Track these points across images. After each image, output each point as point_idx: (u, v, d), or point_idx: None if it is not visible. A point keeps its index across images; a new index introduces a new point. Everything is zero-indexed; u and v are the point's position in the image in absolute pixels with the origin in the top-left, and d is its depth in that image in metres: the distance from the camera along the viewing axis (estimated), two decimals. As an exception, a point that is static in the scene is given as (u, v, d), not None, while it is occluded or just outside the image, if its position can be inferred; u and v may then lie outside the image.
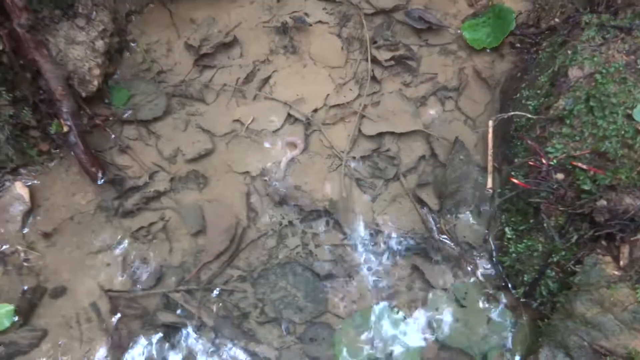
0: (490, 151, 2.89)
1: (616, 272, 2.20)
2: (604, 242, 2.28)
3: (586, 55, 2.52)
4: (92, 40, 2.94)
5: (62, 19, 2.86)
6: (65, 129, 2.76)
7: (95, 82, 2.97)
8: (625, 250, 2.21)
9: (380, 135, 3.12)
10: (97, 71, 2.96)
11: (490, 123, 2.98)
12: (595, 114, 2.37)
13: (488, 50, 3.36)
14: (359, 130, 3.15)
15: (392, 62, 3.38)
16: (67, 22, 2.87)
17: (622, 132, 2.30)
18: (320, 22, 3.53)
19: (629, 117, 2.30)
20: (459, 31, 3.44)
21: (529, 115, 2.55)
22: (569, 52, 2.59)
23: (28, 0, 2.61)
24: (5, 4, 2.46)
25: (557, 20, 3.15)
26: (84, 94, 2.95)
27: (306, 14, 3.55)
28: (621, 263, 2.20)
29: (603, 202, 2.20)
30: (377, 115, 3.19)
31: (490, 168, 2.87)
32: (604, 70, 2.42)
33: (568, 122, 2.44)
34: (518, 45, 3.33)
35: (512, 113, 2.62)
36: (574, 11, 2.98)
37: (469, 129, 3.14)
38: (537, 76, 2.82)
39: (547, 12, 3.22)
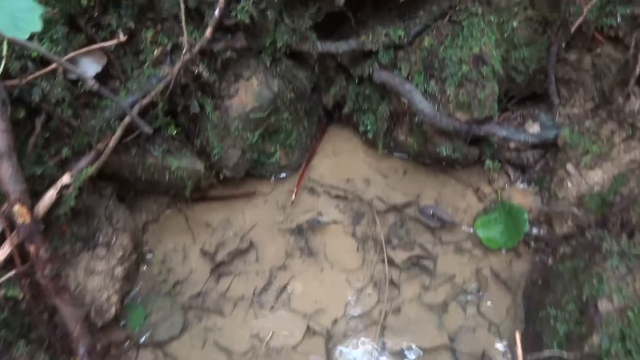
0: (522, 373, 2.80)
1: None
2: None
3: (613, 286, 2.52)
4: (112, 268, 2.91)
5: (83, 251, 2.86)
6: (81, 369, 2.64)
7: (113, 310, 2.90)
8: None
9: (405, 349, 3.03)
10: (115, 298, 2.91)
11: (518, 336, 2.92)
12: (634, 356, 2.32)
13: (504, 250, 3.39)
14: (383, 344, 3.07)
15: (409, 263, 3.38)
16: (88, 253, 2.86)
17: (667, 382, 2.24)
18: (334, 221, 3.57)
19: (671, 364, 2.25)
20: (471, 229, 3.49)
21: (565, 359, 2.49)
22: (595, 281, 2.60)
23: (49, 236, 2.63)
24: (31, 256, 2.45)
25: (569, 224, 3.20)
26: (99, 324, 2.87)
27: (320, 213, 3.60)
28: None
29: None
30: (399, 326, 3.13)
31: (525, 390, 2.77)
32: (634, 307, 2.41)
33: (607, 362, 2.39)
34: (533, 244, 3.37)
35: (548, 354, 2.56)
36: (586, 222, 3.04)
37: (494, 336, 3.07)
38: (562, 294, 2.81)
39: (557, 215, 3.28)
